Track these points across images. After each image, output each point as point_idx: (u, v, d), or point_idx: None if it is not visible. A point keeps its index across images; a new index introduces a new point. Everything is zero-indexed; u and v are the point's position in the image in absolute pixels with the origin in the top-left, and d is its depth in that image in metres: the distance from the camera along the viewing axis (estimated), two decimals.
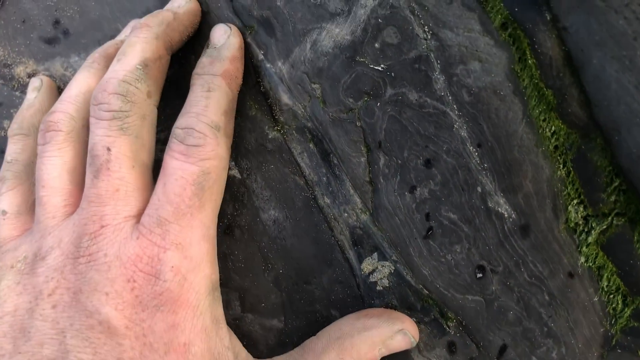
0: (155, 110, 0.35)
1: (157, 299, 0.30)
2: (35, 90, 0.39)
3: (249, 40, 0.37)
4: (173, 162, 0.31)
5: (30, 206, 0.36)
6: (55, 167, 0.33)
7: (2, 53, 0.41)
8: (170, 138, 0.32)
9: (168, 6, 0.37)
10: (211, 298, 0.31)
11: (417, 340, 0.34)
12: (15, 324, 0.31)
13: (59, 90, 0.40)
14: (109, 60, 0.36)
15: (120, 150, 0.32)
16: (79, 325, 0.29)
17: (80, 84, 0.35)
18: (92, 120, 0.33)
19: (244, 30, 0.37)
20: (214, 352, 0.31)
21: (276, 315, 0.36)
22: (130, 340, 0.29)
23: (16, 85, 0.41)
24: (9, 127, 0.41)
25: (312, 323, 0.36)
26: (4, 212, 0.36)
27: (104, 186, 0.31)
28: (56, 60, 0.41)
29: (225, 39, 0.35)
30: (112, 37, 0.40)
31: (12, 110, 0.41)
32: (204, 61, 0.35)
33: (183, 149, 0.31)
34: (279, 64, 0.36)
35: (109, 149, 0.31)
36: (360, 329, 0.33)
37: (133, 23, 0.38)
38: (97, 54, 0.37)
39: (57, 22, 0.40)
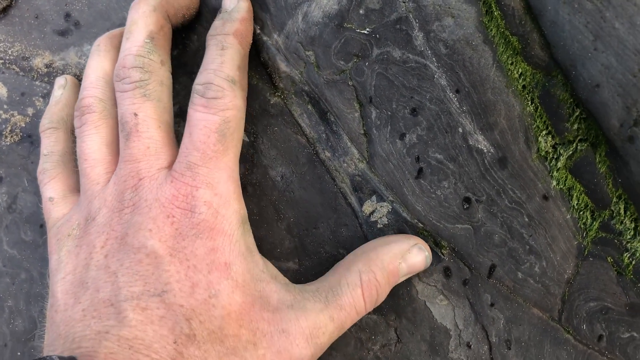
0: (170, 76, 0.39)
1: (195, 229, 0.34)
2: (61, 88, 0.43)
3: None
4: (197, 114, 0.35)
5: (71, 189, 0.41)
6: (95, 142, 0.38)
7: (20, 47, 0.45)
8: (192, 94, 0.36)
9: None
10: (242, 229, 0.36)
11: (431, 257, 0.39)
12: (75, 280, 0.35)
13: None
14: (113, 41, 0.41)
15: (147, 113, 0.36)
16: (128, 263, 0.34)
17: (96, 69, 0.40)
18: (117, 94, 0.37)
19: None
20: (252, 273, 0.35)
21: (291, 258, 0.41)
22: (175, 265, 0.33)
23: (35, 76, 0.45)
24: (32, 113, 0.45)
25: (323, 262, 0.40)
26: (51, 199, 0.40)
27: (136, 146, 0.36)
28: (70, 50, 0.45)
29: (235, 3, 0.39)
30: (120, 25, 0.44)
31: (34, 98, 0.45)
32: (216, 23, 0.39)
33: (204, 102, 0.35)
34: (275, 36, 0.40)
35: (136, 114, 0.36)
36: (382, 244, 0.38)
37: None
38: (101, 39, 0.41)
39: (68, 15, 0.44)
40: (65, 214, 0.39)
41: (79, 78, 0.44)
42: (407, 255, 0.37)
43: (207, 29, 0.42)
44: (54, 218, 0.39)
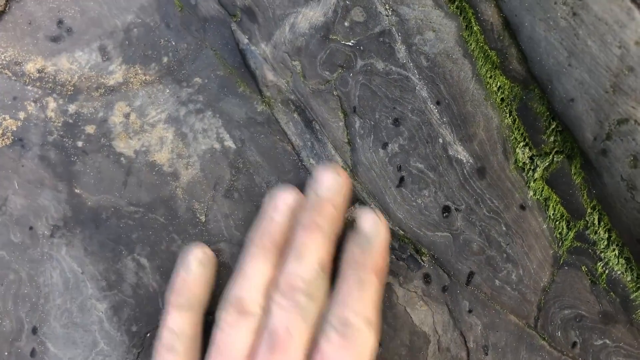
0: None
1: None
2: (201, 265, 0.41)
3: (234, 27, 0.42)
4: (332, 353, 0.36)
5: None
6: (242, 345, 0.38)
7: (13, 52, 0.46)
8: (325, 325, 0.37)
9: (321, 189, 0.39)
10: None
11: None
12: None
13: None
14: (278, 245, 0.40)
15: (299, 335, 0.37)
16: None
17: (261, 273, 0.39)
18: (275, 305, 0.37)
19: (229, 19, 0.42)
20: None
21: None
22: None
23: (27, 81, 0.45)
24: (24, 117, 0.45)
25: None
26: None
27: None
28: (62, 56, 0.45)
29: (375, 228, 0.38)
30: (111, 32, 0.45)
31: (25, 103, 0.45)
32: (355, 251, 0.38)
33: (341, 342, 0.36)
34: (263, 46, 0.41)
35: (290, 333, 0.36)
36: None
37: (285, 198, 0.40)
38: (267, 242, 0.40)
39: (60, 22, 0.45)
40: None
41: (72, 84, 0.45)
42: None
43: (198, 38, 0.43)
44: None
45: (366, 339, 0.36)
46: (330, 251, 0.39)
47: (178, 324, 0.40)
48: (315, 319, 0.38)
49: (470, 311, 0.40)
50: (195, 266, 0.41)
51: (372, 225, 0.38)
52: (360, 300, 0.37)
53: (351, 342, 0.36)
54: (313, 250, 0.38)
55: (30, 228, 0.45)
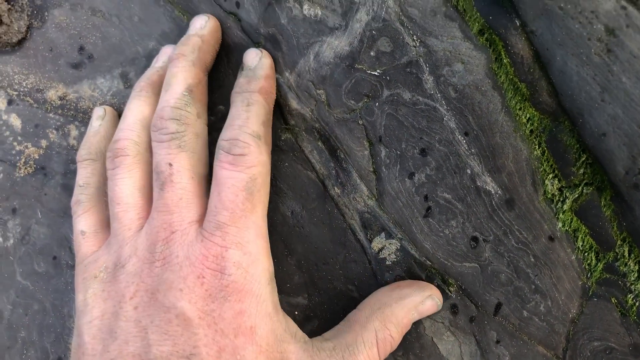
0: (206, 128, 0.40)
1: (224, 291, 0.34)
2: (100, 119, 0.44)
3: None
4: (223, 172, 0.36)
5: (104, 224, 0.41)
6: (127, 186, 0.38)
7: (34, 79, 0.45)
8: (217, 150, 0.37)
9: (191, 30, 0.42)
10: (270, 287, 0.36)
11: (441, 303, 0.39)
12: (104, 326, 0.36)
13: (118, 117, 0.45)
14: (154, 87, 0.41)
15: (181, 164, 0.37)
16: (158, 321, 0.34)
17: (135, 112, 0.40)
18: (154, 143, 0.38)
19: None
20: (276, 334, 0.35)
21: (300, 293, 0.41)
22: (203, 328, 0.33)
23: (49, 108, 0.45)
24: (46, 145, 0.45)
25: (332, 298, 0.41)
26: (83, 232, 0.40)
27: (169, 196, 0.36)
28: (84, 83, 0.45)
29: (257, 60, 0.40)
30: (133, 59, 0.45)
31: (47, 130, 0.45)
32: (241, 81, 0.40)
33: (231, 159, 0.36)
34: (287, 74, 0.41)
35: (170, 165, 0.36)
36: (396, 299, 0.38)
37: (167, 50, 0.43)
38: (143, 83, 0.42)
39: (81, 49, 0.45)
40: (94, 252, 0.39)
41: (91, 111, 0.45)
42: (420, 307, 0.38)
43: (221, 65, 0.43)
44: (83, 253, 0.40)
45: (255, 152, 0.36)
46: (202, 78, 0.40)
47: (82, 177, 0.42)
48: (199, 148, 0.39)
49: (498, 342, 0.40)
50: (95, 121, 0.43)
51: (254, 57, 0.40)
52: (247, 118, 0.37)
53: (240, 158, 0.36)
54: (180, 78, 0.39)
55: (54, 258, 0.45)
